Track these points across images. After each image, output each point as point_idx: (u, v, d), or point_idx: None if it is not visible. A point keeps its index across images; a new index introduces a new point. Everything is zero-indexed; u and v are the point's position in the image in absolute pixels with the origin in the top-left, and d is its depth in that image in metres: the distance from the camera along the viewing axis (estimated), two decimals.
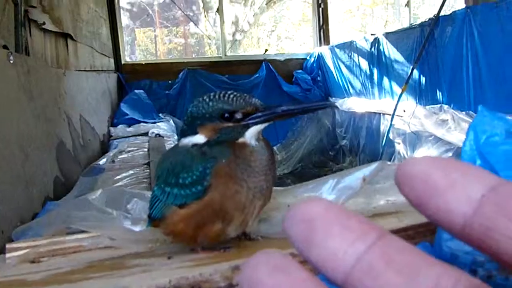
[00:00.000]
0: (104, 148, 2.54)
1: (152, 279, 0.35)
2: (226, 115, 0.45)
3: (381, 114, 3.70)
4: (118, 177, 1.83)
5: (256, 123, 0.45)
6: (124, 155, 2.23)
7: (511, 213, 0.18)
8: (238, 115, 0.45)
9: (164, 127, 2.99)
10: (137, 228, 0.56)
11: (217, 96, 0.45)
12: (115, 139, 2.74)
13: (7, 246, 0.57)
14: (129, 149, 2.37)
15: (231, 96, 0.45)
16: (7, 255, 0.56)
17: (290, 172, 4.22)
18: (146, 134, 2.76)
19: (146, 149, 2.32)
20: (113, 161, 2.10)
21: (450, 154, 2.92)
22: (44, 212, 1.39)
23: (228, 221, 0.44)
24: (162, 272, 0.38)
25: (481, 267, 0.30)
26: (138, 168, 1.96)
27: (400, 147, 3.47)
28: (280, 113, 0.46)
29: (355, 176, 0.48)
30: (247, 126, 0.45)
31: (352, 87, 4.08)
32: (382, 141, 3.58)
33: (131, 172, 1.91)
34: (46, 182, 1.61)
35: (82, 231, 0.60)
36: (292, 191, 0.53)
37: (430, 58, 2.95)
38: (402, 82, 3.27)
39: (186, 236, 0.45)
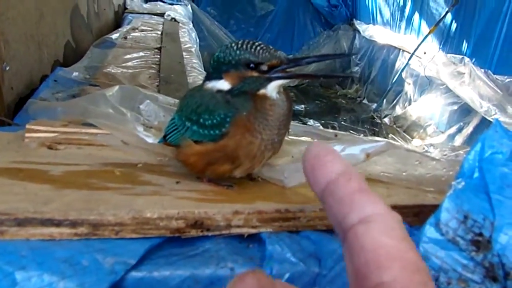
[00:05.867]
0: (118, 20, 2.49)
1: (163, 207, 0.40)
2: (252, 65, 0.46)
3: (401, 51, 3.60)
4: (128, 56, 1.82)
5: (279, 78, 0.47)
6: (137, 33, 2.19)
7: (340, 190, 0.27)
8: (264, 67, 0.46)
9: (181, 12, 2.89)
10: (149, 140, 0.60)
11: (244, 46, 0.46)
12: (130, 12, 2.66)
13: (27, 126, 0.60)
14: (143, 28, 2.32)
15: (258, 47, 0.46)
16: (26, 134, 0.60)
17: (295, 86, 4.20)
18: (162, 15, 2.69)
19: (159, 32, 2.28)
20: (125, 38, 2.07)
21: (455, 107, 2.93)
22: (53, 76, 1.42)
23: (237, 165, 0.48)
24: (171, 200, 0.43)
25: (444, 273, 0.35)
26: (149, 52, 1.95)
27: (409, 88, 3.46)
28: (304, 74, 0.48)
29: (360, 148, 0.51)
30: (270, 79, 0.47)
31: (381, 14, 3.90)
32: (394, 78, 3.55)
33: (141, 53, 1.90)
34: (58, 45, 1.61)
35: (96, 126, 0.64)
36: (299, 144, 0.57)
37: (468, 5, 2.79)
38: (433, 22, 3.14)
39: (196, 168, 0.50)
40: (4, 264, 0.33)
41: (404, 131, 3.35)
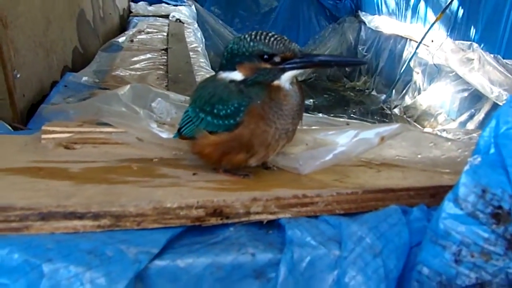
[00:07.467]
0: (124, 24, 2.51)
1: (182, 197, 0.41)
2: (265, 56, 0.47)
3: (408, 40, 3.57)
4: (135, 58, 1.84)
5: (293, 68, 0.47)
6: (143, 36, 2.21)
7: None
8: (277, 59, 0.47)
9: (185, 12, 2.91)
10: (164, 135, 0.60)
11: (258, 37, 0.46)
12: (135, 16, 2.69)
13: (43, 127, 0.61)
14: (148, 30, 2.34)
15: (272, 39, 0.46)
16: (43, 136, 0.61)
17: (303, 80, 4.19)
18: (166, 16, 2.70)
19: (165, 34, 2.29)
20: (132, 41, 2.09)
21: (465, 94, 2.90)
22: (63, 81, 1.43)
23: (251, 154, 0.49)
24: (190, 190, 0.43)
25: (466, 247, 0.35)
26: (156, 53, 1.96)
27: (417, 77, 3.43)
28: (317, 63, 0.48)
29: (374, 132, 0.51)
30: (284, 70, 0.47)
31: (386, 4, 3.87)
32: (402, 68, 3.52)
33: (148, 55, 1.91)
34: (66, 51, 1.63)
35: (110, 125, 0.65)
36: (312, 132, 0.57)
37: None
38: (439, 10, 3.10)
39: (211, 158, 0.50)
40: (31, 257, 0.34)
41: (414, 121, 3.32)
